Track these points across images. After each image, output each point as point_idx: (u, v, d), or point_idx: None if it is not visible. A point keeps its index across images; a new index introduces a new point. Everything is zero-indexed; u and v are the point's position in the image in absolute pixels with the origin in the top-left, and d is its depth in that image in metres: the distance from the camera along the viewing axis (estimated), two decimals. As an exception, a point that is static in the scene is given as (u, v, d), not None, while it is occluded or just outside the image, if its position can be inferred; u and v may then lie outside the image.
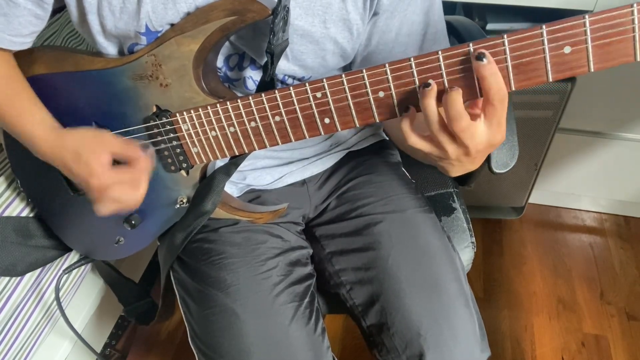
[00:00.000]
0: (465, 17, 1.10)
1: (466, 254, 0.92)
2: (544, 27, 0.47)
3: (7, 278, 0.90)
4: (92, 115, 0.69)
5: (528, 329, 1.38)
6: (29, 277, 0.96)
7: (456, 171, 0.60)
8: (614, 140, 1.44)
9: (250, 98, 0.60)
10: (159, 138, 0.67)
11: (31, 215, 0.91)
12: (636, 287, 1.48)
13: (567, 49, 0.48)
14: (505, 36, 0.48)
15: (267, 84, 0.63)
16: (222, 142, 0.65)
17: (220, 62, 0.68)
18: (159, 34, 0.63)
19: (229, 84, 0.71)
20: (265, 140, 0.63)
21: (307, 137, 0.61)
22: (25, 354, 1.01)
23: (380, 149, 0.92)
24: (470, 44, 0.50)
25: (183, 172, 0.70)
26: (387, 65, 0.53)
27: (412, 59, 0.52)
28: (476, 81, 0.51)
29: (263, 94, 0.59)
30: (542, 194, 1.69)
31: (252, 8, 0.57)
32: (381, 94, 0.55)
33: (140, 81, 0.65)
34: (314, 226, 0.86)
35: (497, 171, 0.85)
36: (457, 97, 0.50)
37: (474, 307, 0.76)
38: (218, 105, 0.62)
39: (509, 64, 0.50)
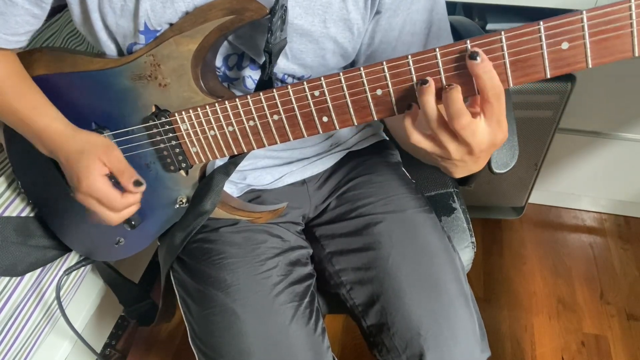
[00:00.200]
0: (465, 17, 1.10)
1: (466, 254, 0.92)
2: (541, 23, 0.47)
3: (7, 278, 0.90)
4: (92, 116, 0.69)
5: (528, 329, 1.38)
6: (29, 277, 0.96)
7: (460, 172, 0.59)
8: (614, 140, 1.44)
9: (249, 97, 0.60)
10: (158, 138, 0.67)
11: (31, 215, 0.91)
12: (636, 287, 1.48)
13: (564, 45, 0.47)
14: (502, 32, 0.48)
15: (266, 83, 0.63)
16: (221, 142, 0.65)
17: (219, 61, 0.68)
18: (158, 34, 0.63)
19: (228, 84, 0.71)
20: (264, 140, 0.63)
21: (306, 136, 0.61)
22: (25, 354, 1.01)
23: (380, 149, 0.92)
24: (468, 41, 0.50)
25: (182, 172, 0.70)
26: (384, 63, 0.53)
27: (409, 57, 0.52)
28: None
29: (261, 93, 0.59)
30: (542, 194, 1.69)
31: (250, 7, 0.57)
32: (379, 91, 0.55)
33: (139, 81, 0.65)
34: (314, 226, 0.86)
35: (497, 171, 0.85)
36: (457, 95, 0.49)
37: (474, 307, 0.76)
38: (217, 104, 0.62)
39: (507, 60, 0.49)
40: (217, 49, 0.65)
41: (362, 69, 0.54)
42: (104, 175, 0.64)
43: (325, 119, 0.59)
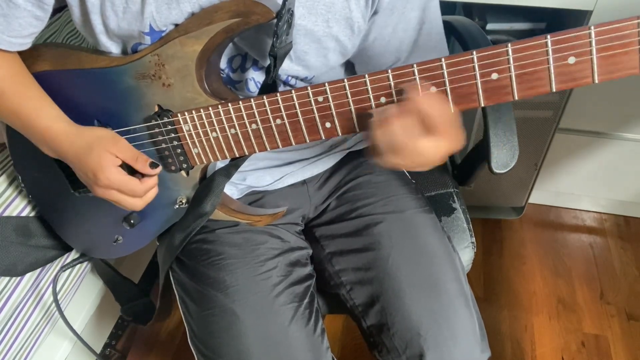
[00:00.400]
0: (465, 17, 1.10)
1: (466, 254, 0.92)
2: (548, 37, 0.47)
3: (7, 278, 0.90)
4: (94, 113, 0.69)
5: (528, 329, 1.38)
6: (29, 277, 0.95)
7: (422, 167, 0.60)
8: (614, 140, 1.44)
9: (252, 100, 0.60)
10: (160, 138, 0.67)
11: (31, 215, 0.91)
12: (636, 287, 1.48)
13: (571, 60, 0.47)
14: (509, 45, 0.48)
15: (270, 86, 0.63)
16: (222, 144, 0.65)
17: (223, 63, 0.68)
18: (163, 34, 0.63)
19: (231, 86, 0.71)
20: (266, 143, 0.63)
21: (308, 141, 0.61)
22: (25, 354, 1.01)
23: (380, 149, 0.92)
24: (474, 52, 0.49)
25: (183, 173, 0.70)
26: (389, 71, 0.53)
27: (414, 66, 0.52)
28: (478, 88, 0.51)
29: (265, 97, 0.59)
30: (542, 194, 1.69)
31: (257, 10, 0.57)
32: (383, 99, 0.55)
33: (143, 80, 0.65)
34: (314, 226, 0.86)
35: (497, 171, 0.84)
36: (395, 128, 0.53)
37: (474, 307, 0.76)
38: (220, 106, 0.62)
39: (512, 73, 0.49)
40: (222, 50, 0.65)
41: (366, 76, 0.54)
42: (117, 166, 0.64)
43: (328, 124, 0.59)
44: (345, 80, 0.55)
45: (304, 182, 0.86)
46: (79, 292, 1.15)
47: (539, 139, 1.40)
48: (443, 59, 0.51)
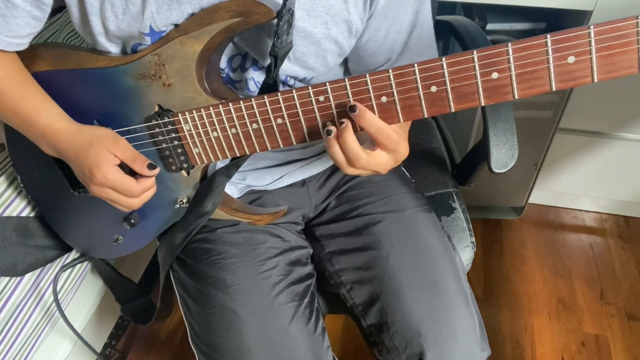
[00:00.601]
0: (465, 17, 1.10)
1: (466, 254, 0.92)
2: (548, 36, 0.47)
3: (7, 278, 0.90)
4: (94, 113, 0.69)
5: (528, 329, 1.38)
6: (29, 277, 0.95)
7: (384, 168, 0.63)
8: (614, 140, 1.44)
9: (253, 100, 0.60)
10: (161, 137, 0.67)
11: (31, 215, 0.91)
12: (636, 287, 1.48)
13: (571, 59, 0.48)
14: (509, 45, 0.48)
15: (270, 86, 0.63)
16: (223, 143, 0.65)
17: (223, 63, 0.68)
18: (163, 34, 0.63)
19: (231, 86, 0.71)
20: (267, 142, 0.63)
21: (309, 141, 0.61)
22: (25, 354, 1.01)
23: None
24: (475, 52, 0.50)
25: (184, 172, 0.70)
26: (390, 71, 0.54)
27: (415, 65, 0.52)
28: (478, 87, 0.51)
29: (265, 96, 0.59)
30: (542, 194, 1.69)
31: (257, 10, 0.57)
32: (384, 99, 0.55)
33: (143, 80, 0.65)
34: (314, 226, 0.87)
35: (497, 171, 0.84)
36: (349, 137, 0.57)
37: (474, 307, 0.76)
38: (220, 106, 0.62)
39: (513, 72, 0.50)
40: (222, 50, 0.65)
41: (367, 75, 0.54)
42: (115, 165, 0.64)
43: (329, 124, 0.59)
44: (346, 79, 0.55)
45: (303, 181, 0.86)
46: (79, 292, 1.15)
47: (539, 139, 1.40)
48: (444, 59, 0.51)
